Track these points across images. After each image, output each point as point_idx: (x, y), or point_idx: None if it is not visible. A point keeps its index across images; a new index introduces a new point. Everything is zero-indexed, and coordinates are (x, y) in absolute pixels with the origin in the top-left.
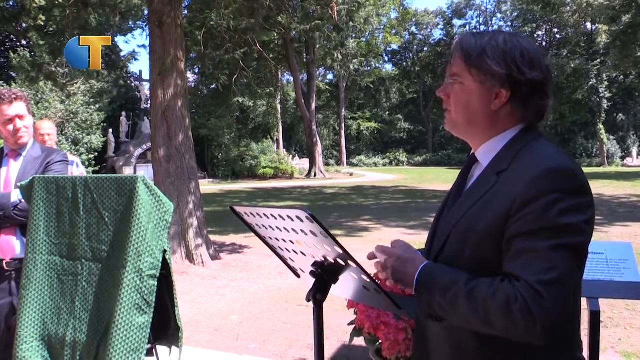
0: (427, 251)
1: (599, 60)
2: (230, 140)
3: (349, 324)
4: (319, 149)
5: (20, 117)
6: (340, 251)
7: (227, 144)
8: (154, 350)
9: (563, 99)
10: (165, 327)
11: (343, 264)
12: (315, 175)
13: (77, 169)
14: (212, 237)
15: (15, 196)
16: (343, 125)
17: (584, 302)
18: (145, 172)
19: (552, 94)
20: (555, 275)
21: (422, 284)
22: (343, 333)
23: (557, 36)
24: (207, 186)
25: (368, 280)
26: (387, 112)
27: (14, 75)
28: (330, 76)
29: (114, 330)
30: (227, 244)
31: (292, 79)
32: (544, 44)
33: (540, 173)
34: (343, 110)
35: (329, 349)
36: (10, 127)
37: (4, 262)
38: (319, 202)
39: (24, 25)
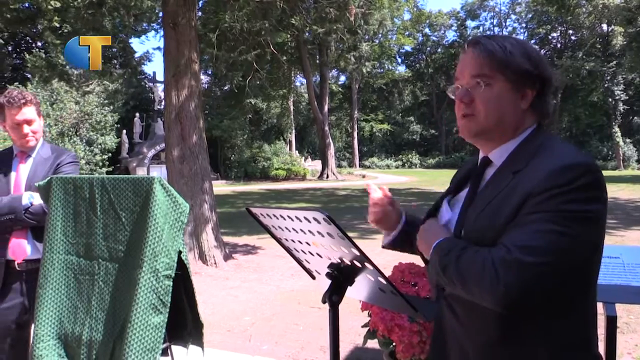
0: None
1: (614, 62)
2: (243, 141)
3: (362, 326)
4: (331, 150)
5: (29, 122)
6: (357, 253)
7: (240, 145)
8: (169, 350)
9: (578, 102)
10: (180, 327)
11: (359, 265)
12: (327, 177)
13: None
14: (225, 238)
15: (26, 199)
16: (355, 127)
17: (600, 306)
18: (158, 173)
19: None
20: (536, 247)
21: (433, 253)
22: (356, 335)
23: (572, 38)
24: (220, 187)
25: (384, 282)
26: (400, 114)
27: (29, 76)
28: (342, 78)
29: (130, 329)
30: (240, 245)
31: (305, 80)
32: (559, 45)
33: (555, 169)
34: (356, 112)
35: (342, 351)
36: (18, 131)
37: (16, 263)
38: (332, 204)
39: (39, 27)
